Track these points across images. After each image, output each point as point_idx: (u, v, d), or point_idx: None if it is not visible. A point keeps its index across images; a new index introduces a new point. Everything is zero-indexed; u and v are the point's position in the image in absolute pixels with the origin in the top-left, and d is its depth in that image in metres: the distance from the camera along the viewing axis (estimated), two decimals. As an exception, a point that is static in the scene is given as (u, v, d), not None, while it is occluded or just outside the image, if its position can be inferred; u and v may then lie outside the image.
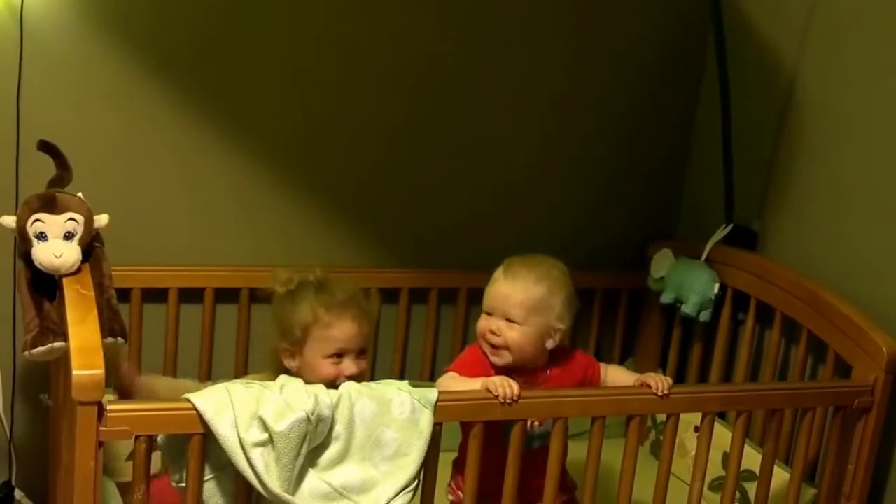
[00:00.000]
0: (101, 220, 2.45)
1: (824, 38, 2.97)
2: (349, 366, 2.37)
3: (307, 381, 2.25)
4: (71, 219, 2.36)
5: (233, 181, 2.98)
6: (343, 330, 2.36)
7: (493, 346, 2.51)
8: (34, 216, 2.35)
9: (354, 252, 3.14)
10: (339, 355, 2.36)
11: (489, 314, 2.53)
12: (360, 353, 2.39)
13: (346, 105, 3.06)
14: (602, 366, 2.67)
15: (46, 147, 2.46)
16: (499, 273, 2.55)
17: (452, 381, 2.46)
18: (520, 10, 3.16)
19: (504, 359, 2.50)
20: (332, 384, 2.29)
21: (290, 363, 2.39)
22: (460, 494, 2.45)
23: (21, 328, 2.35)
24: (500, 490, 2.37)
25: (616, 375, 2.65)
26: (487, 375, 2.42)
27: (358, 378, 2.34)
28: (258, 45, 2.93)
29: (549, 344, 2.53)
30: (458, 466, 2.55)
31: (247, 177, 2.99)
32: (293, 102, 3.00)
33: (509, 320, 2.49)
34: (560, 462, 2.40)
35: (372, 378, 3.05)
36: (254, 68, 2.94)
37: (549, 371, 2.57)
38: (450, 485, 2.63)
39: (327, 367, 2.35)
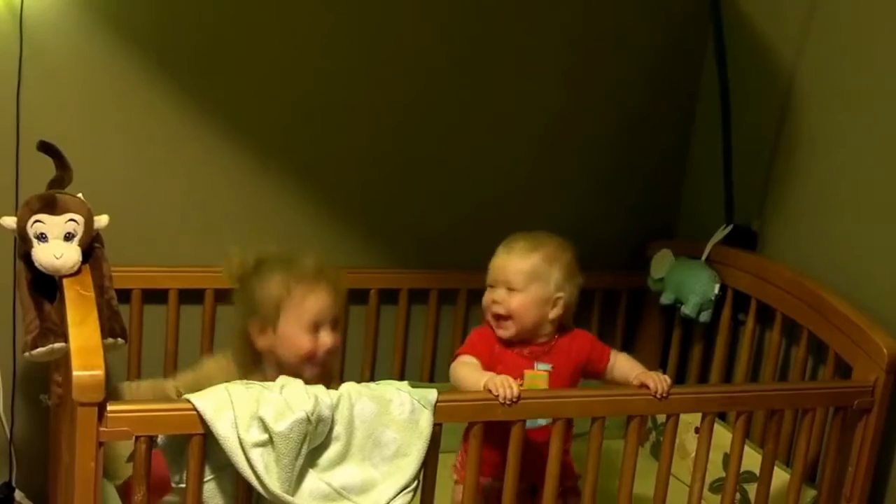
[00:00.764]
0: (102, 220, 2.45)
1: (824, 39, 2.97)
2: (325, 338, 2.38)
3: (282, 359, 2.31)
4: (71, 220, 2.36)
5: (234, 182, 2.98)
6: (318, 300, 2.39)
7: (496, 317, 2.58)
8: (34, 217, 2.35)
9: (354, 252, 3.14)
10: (316, 327, 2.38)
11: (492, 287, 2.61)
12: (334, 324, 2.42)
13: (347, 105, 3.06)
14: (612, 352, 2.68)
15: (46, 148, 2.46)
16: (499, 248, 2.64)
17: (463, 368, 2.50)
18: (520, 14, 3.16)
19: (508, 330, 2.57)
20: (311, 360, 2.35)
21: (261, 342, 2.40)
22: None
23: (21, 329, 2.35)
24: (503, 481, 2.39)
25: (623, 364, 2.65)
26: (494, 353, 2.51)
27: (334, 351, 2.40)
28: (259, 47, 2.93)
29: (552, 313, 2.59)
30: (465, 450, 2.56)
31: (247, 178, 2.99)
32: (294, 103, 3.00)
33: (510, 289, 2.56)
34: (559, 462, 2.40)
35: (372, 378, 3.09)
36: (254, 70, 2.94)
37: (556, 339, 2.62)
38: (455, 465, 2.63)
39: (305, 341, 2.37)
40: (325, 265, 2.45)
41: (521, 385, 2.38)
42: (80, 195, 2.44)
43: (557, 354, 2.60)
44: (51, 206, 2.36)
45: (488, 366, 2.49)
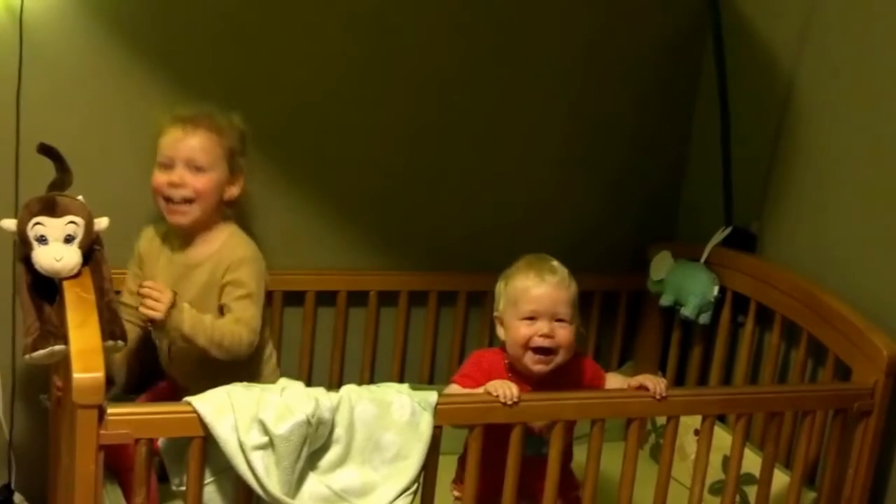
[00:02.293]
0: (102, 223, 2.45)
1: (823, 42, 2.97)
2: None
3: None
4: (71, 222, 2.36)
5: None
6: (168, 138, 2.60)
7: (542, 350, 2.49)
8: (34, 219, 2.35)
9: (352, 254, 3.14)
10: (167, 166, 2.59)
11: (532, 319, 2.50)
12: (189, 166, 2.59)
13: (348, 108, 3.06)
14: (607, 375, 2.66)
15: (46, 150, 2.46)
16: (529, 279, 2.52)
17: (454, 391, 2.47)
18: (531, 30, 3.17)
19: (552, 363, 2.50)
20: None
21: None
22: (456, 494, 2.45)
23: (21, 331, 2.35)
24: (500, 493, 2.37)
25: (614, 381, 2.64)
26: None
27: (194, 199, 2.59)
28: (262, 49, 2.93)
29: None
30: (464, 463, 2.56)
31: (248, 180, 2.98)
32: (295, 105, 3.00)
33: (559, 320, 2.50)
34: (559, 465, 2.40)
35: (371, 381, 3.09)
36: (256, 71, 2.94)
37: (580, 366, 2.59)
38: (454, 482, 2.63)
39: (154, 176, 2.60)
40: (209, 110, 2.63)
41: None
42: (80, 197, 2.44)
43: (559, 385, 2.55)
44: (51, 208, 2.36)
45: None
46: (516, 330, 2.50)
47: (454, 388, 2.49)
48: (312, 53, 2.98)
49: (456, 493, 2.62)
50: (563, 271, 2.54)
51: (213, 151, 2.62)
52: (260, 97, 2.95)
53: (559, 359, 2.50)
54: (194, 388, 2.17)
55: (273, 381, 2.28)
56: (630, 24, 3.28)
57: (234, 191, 2.68)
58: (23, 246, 2.38)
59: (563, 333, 2.49)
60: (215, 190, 2.62)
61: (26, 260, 2.37)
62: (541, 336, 2.48)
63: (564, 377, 2.55)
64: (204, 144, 2.61)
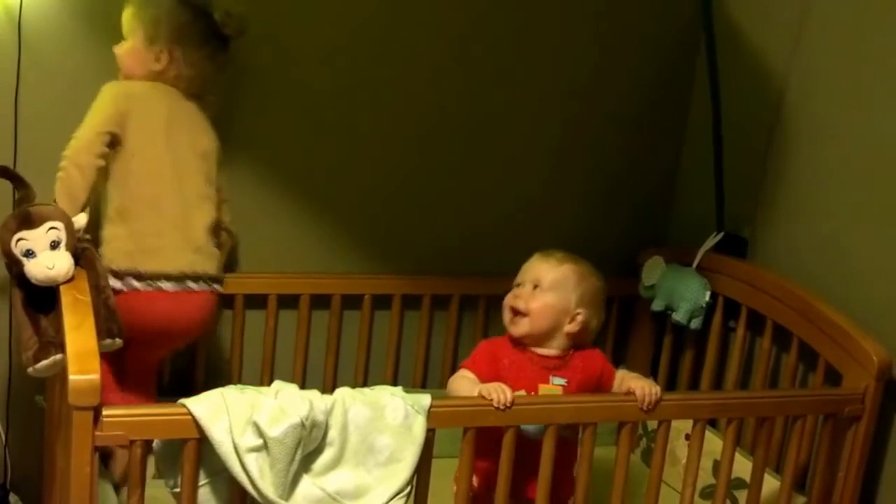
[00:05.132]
0: (80, 220, 2.46)
1: (815, 47, 2.99)
2: None
3: None
4: (52, 228, 2.37)
5: (232, 186, 2.98)
6: None
7: (514, 311, 2.61)
8: (16, 236, 2.35)
9: (346, 258, 3.15)
10: None
11: (518, 285, 2.65)
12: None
13: (345, 115, 3.07)
14: (617, 372, 2.67)
15: (2, 172, 2.48)
16: (536, 254, 2.69)
17: (459, 381, 2.51)
18: (519, 37, 3.19)
19: (520, 328, 2.59)
20: None
21: None
22: (473, 484, 2.45)
23: (16, 334, 2.35)
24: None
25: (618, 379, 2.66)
26: (502, 366, 2.53)
27: None
28: (260, 51, 2.93)
29: (568, 327, 2.60)
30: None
31: (244, 180, 2.99)
32: (290, 108, 3.01)
33: (535, 287, 2.60)
34: (552, 464, 2.40)
35: (365, 384, 3.10)
36: (256, 73, 2.94)
37: (571, 354, 2.62)
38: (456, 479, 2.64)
39: None
40: None
41: None
42: (53, 203, 2.46)
43: (573, 369, 2.60)
44: (28, 220, 2.36)
45: (495, 380, 2.44)
46: (507, 296, 2.65)
47: (463, 373, 2.54)
48: (308, 57, 2.99)
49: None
50: (572, 258, 2.66)
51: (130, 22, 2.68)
52: (257, 99, 2.96)
53: (528, 326, 2.59)
54: None
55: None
56: (622, 32, 3.29)
57: (157, 65, 2.68)
58: (12, 266, 2.38)
59: (534, 303, 2.59)
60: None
61: (20, 278, 2.37)
62: (514, 297, 2.62)
63: (584, 362, 2.63)
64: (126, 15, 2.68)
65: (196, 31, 2.68)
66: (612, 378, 2.64)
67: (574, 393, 2.55)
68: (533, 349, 2.60)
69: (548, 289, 2.60)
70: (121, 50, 2.68)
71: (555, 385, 2.55)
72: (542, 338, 2.60)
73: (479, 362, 2.56)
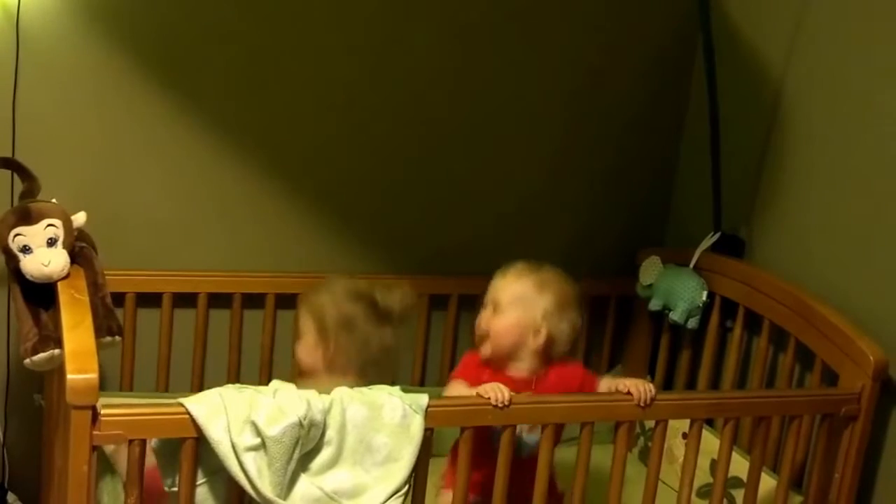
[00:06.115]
0: (79, 218, 2.46)
1: (812, 48, 2.99)
2: None
3: None
4: (50, 225, 2.37)
5: (228, 185, 2.99)
6: None
7: (479, 335, 2.59)
8: (13, 231, 2.35)
9: (345, 258, 3.15)
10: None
11: (483, 306, 2.62)
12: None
13: (345, 116, 3.07)
14: (600, 381, 2.66)
15: (7, 163, 2.48)
16: (496, 273, 2.64)
17: (454, 389, 2.50)
18: (517, 38, 3.19)
19: (484, 351, 2.58)
20: None
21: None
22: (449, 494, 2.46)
23: (15, 330, 2.36)
24: (491, 499, 2.38)
25: (604, 387, 2.64)
26: (481, 380, 2.45)
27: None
28: (261, 52, 2.94)
29: (533, 343, 2.55)
30: (452, 461, 2.57)
31: (242, 182, 3.00)
32: (291, 109, 3.01)
33: (495, 309, 2.57)
34: (549, 468, 2.41)
35: (363, 383, 3.09)
36: (256, 74, 2.95)
37: (542, 372, 2.59)
38: (443, 475, 2.65)
39: None
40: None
41: None
42: (53, 200, 2.46)
43: (547, 387, 2.57)
44: (26, 216, 2.36)
45: None
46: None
47: (457, 382, 2.53)
48: (309, 58, 3.00)
49: (442, 483, 2.64)
50: (530, 270, 2.60)
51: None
52: (257, 100, 2.97)
53: (492, 346, 2.56)
54: None
55: None
56: (620, 34, 3.29)
57: None
58: (10, 260, 2.38)
59: (493, 323, 2.56)
60: None
61: (17, 272, 2.37)
62: (478, 318, 2.60)
63: (559, 378, 2.59)
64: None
65: None
66: (595, 389, 2.62)
67: None
68: (503, 371, 2.56)
69: (506, 308, 2.55)
70: None
71: None
72: (508, 358, 2.56)
73: (462, 371, 2.56)
